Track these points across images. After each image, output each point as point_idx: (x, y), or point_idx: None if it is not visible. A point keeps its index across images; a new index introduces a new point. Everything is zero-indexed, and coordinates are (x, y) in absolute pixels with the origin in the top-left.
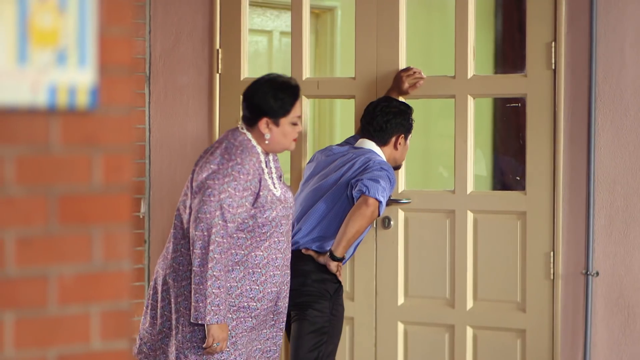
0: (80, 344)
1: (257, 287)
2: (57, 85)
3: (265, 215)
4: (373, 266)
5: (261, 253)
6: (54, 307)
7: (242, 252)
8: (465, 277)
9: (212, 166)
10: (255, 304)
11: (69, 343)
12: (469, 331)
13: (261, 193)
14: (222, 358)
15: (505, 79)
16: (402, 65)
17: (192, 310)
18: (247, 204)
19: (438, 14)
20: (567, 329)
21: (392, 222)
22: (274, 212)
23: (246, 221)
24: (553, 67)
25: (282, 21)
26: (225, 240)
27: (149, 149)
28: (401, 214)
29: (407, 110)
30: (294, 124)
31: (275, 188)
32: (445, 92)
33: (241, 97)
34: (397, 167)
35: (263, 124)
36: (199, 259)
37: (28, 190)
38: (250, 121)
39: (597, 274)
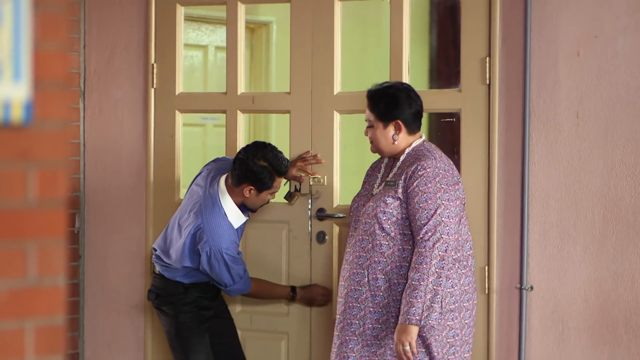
0: (14, 359)
1: (342, 284)
2: None
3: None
4: (308, 281)
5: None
6: None
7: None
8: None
9: None
10: (340, 300)
11: (3, 359)
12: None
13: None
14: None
15: (439, 94)
16: (337, 79)
17: None
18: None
19: (373, 29)
20: (502, 343)
21: (327, 237)
22: (352, 206)
23: None
24: (487, 82)
25: (217, 36)
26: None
27: (84, 163)
28: (336, 229)
29: (266, 169)
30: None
31: (370, 186)
32: None
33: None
34: (252, 210)
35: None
36: None
37: None
38: None
39: (532, 288)
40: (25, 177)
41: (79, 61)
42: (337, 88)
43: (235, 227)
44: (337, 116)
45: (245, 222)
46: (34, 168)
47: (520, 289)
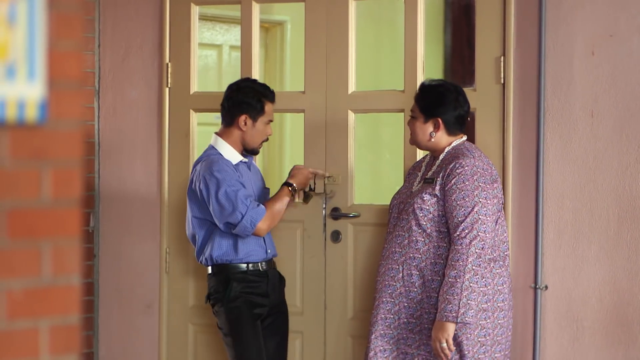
0: (29, 358)
1: (378, 279)
2: (6, 99)
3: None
4: (322, 280)
5: None
6: (3, 322)
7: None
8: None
9: None
10: (376, 295)
11: (18, 358)
12: None
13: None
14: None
15: None
16: (352, 79)
17: None
18: None
19: (387, 28)
20: (516, 342)
21: (341, 236)
22: (392, 202)
23: None
24: (502, 82)
25: (231, 35)
26: None
27: (98, 163)
28: (350, 228)
29: (259, 90)
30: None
31: (410, 183)
32: (394, 107)
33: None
34: (252, 152)
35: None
36: None
37: None
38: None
39: (547, 287)
40: (40, 177)
41: (94, 60)
42: (352, 87)
43: (234, 163)
44: (351, 115)
45: (251, 169)
46: (49, 167)
47: (535, 289)
